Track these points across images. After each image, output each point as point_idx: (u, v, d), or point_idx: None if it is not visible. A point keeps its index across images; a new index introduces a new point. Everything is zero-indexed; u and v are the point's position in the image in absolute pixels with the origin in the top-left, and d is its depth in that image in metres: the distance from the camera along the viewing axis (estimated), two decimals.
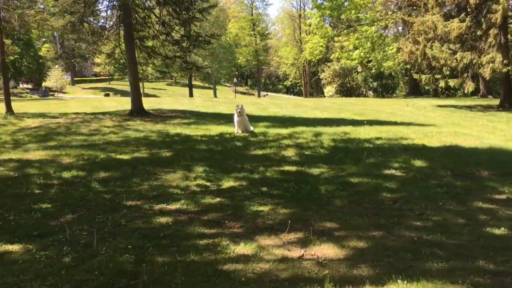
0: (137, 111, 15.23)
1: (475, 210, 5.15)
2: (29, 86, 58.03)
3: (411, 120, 15.04)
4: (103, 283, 3.37)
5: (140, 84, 39.93)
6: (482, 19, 18.45)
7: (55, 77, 56.79)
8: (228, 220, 4.81)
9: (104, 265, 3.65)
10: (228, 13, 69.89)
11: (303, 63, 62.70)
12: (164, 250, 3.99)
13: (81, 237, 4.33)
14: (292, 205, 5.33)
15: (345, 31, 40.09)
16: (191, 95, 53.46)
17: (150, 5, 16.24)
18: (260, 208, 5.22)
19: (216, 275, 3.50)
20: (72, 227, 4.59)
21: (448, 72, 21.31)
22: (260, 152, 8.73)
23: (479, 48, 18.91)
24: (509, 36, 20.87)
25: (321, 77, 52.44)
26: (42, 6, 20.27)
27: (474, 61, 18.57)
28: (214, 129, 11.76)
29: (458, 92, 37.18)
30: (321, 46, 45.76)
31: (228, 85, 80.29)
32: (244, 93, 72.47)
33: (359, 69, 44.02)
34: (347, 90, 46.37)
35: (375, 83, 44.50)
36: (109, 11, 17.15)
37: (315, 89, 65.75)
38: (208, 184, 6.36)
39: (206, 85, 70.09)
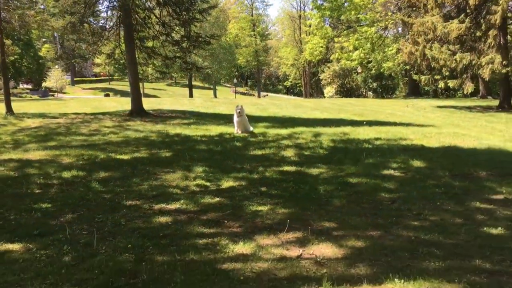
0: (137, 112, 15.26)
1: (473, 210, 5.19)
2: (29, 86, 58.09)
3: (410, 121, 15.07)
4: (103, 282, 3.40)
5: (140, 84, 40.00)
6: (482, 20, 18.49)
7: (55, 77, 56.84)
8: (227, 220, 4.84)
9: (104, 264, 3.68)
10: (228, 13, 69.99)
11: (303, 64, 62.73)
12: (163, 249, 4.01)
13: (81, 237, 4.36)
14: (291, 205, 5.36)
15: (345, 32, 40.10)
16: (191, 95, 53.51)
17: (150, 5, 16.28)
18: (259, 208, 5.25)
19: (215, 274, 3.52)
20: (72, 226, 4.62)
21: (447, 73, 21.34)
22: (259, 152, 8.76)
23: (479, 49, 18.95)
24: (508, 37, 20.93)
25: (321, 77, 52.48)
26: (42, 7, 20.31)
27: (473, 62, 18.61)
28: (214, 130, 11.79)
29: (458, 93, 37.21)
30: (321, 46, 45.82)
31: (228, 85, 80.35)
32: (244, 94, 72.52)
33: (359, 69, 44.05)
34: (347, 91, 46.41)
35: (375, 84, 44.54)
36: (109, 12, 17.20)
37: (315, 90, 65.80)
38: (208, 184, 6.39)
39: (206, 85, 70.16)
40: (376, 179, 6.62)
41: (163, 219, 4.86)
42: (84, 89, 67.74)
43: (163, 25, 15.69)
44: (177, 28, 16.28)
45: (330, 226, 4.66)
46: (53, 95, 51.46)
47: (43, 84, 57.16)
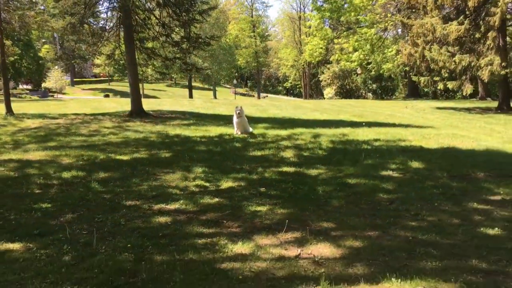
0: (137, 112, 15.28)
1: (470, 210, 5.22)
2: (29, 87, 58.10)
3: (409, 122, 15.11)
4: (103, 281, 3.43)
5: (140, 85, 39.98)
6: (481, 22, 18.55)
7: (55, 78, 56.82)
8: (227, 220, 4.87)
9: (104, 264, 3.71)
10: (228, 14, 70.10)
11: (303, 65, 62.82)
12: (163, 249, 4.04)
13: (81, 236, 4.39)
14: (289, 205, 5.39)
15: (344, 33, 40.16)
16: (191, 96, 53.55)
17: (150, 6, 16.31)
18: (258, 208, 5.28)
19: (214, 274, 3.55)
20: (72, 226, 4.65)
21: (446, 75, 21.40)
22: (259, 153, 8.80)
23: (478, 51, 19.01)
24: (507, 38, 20.99)
25: (320, 79, 52.54)
26: (42, 7, 20.37)
27: (472, 64, 18.66)
28: (214, 130, 11.82)
29: (457, 94, 37.26)
30: (321, 48, 45.83)
31: (228, 86, 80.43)
32: (244, 95, 72.57)
33: (359, 71, 44.12)
34: (347, 92, 46.46)
35: (374, 85, 44.59)
36: (109, 13, 17.23)
37: (314, 91, 65.88)
38: (207, 184, 6.42)
39: (206, 86, 70.25)
40: (374, 180, 6.65)
41: (162, 219, 4.89)
42: (83, 89, 67.77)
43: (163, 26, 15.72)
44: (177, 29, 16.32)
45: (329, 226, 4.69)
46: (52, 96, 51.47)
47: (43, 85, 57.16)
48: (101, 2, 15.95)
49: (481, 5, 18.38)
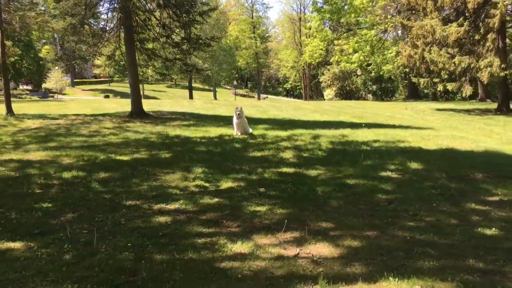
0: (137, 113, 15.31)
1: (468, 211, 5.26)
2: (29, 87, 58.16)
3: (409, 123, 15.15)
4: (103, 279, 3.46)
5: (140, 86, 40.05)
6: (480, 23, 18.59)
7: (55, 78, 56.89)
8: (226, 220, 4.90)
9: (104, 262, 3.74)
10: (229, 15, 70.22)
11: (303, 66, 62.91)
12: (163, 248, 4.08)
13: (81, 236, 4.42)
14: (289, 205, 5.42)
15: (344, 34, 40.25)
16: (191, 97, 53.58)
17: (151, 7, 16.34)
18: (258, 208, 5.31)
19: (213, 273, 3.59)
20: (73, 225, 4.68)
21: (446, 76, 21.44)
22: (258, 154, 8.83)
23: (477, 52, 19.04)
24: (507, 40, 21.04)
25: (321, 80, 52.61)
26: (43, 8, 20.43)
27: (472, 65, 18.70)
28: (214, 131, 11.85)
29: (457, 95, 37.30)
30: (321, 49, 45.90)
31: (228, 87, 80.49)
32: (244, 96, 72.67)
33: (359, 72, 44.21)
34: (347, 93, 46.52)
35: (374, 86, 44.68)
36: (109, 14, 17.24)
37: (315, 92, 65.94)
38: (207, 184, 6.45)
39: (206, 87, 70.32)
40: (373, 180, 6.69)
41: (162, 219, 4.92)
42: (84, 90, 67.84)
43: (163, 27, 15.76)
44: (177, 30, 16.35)
45: (327, 226, 4.72)
46: (53, 96, 51.52)
47: (43, 85, 57.23)
48: (101, 3, 15.96)
49: (480, 7, 18.42)
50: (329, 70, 48.89)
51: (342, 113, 19.35)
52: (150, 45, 17.40)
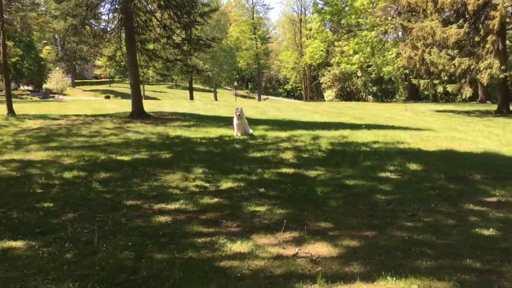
0: (138, 114, 15.36)
1: (466, 211, 5.29)
2: (30, 88, 58.25)
3: (409, 125, 15.19)
4: (104, 278, 3.49)
5: (141, 86, 40.10)
6: (480, 25, 18.66)
7: (56, 79, 57.02)
8: (226, 220, 4.94)
9: (105, 261, 3.77)
10: (229, 16, 70.26)
11: (304, 67, 62.96)
12: (163, 248, 4.11)
13: (82, 235, 4.46)
14: (288, 205, 5.46)
15: (345, 35, 40.34)
16: (191, 98, 53.66)
17: (152, 8, 16.40)
18: (257, 209, 5.35)
19: (213, 271, 3.62)
20: (74, 225, 4.72)
21: (446, 78, 21.50)
22: (258, 154, 8.87)
23: (477, 54, 19.11)
24: (507, 42, 21.08)
25: (321, 81, 52.73)
26: (44, 9, 20.49)
27: (472, 67, 18.76)
28: (214, 132, 11.90)
29: (457, 97, 37.35)
30: (322, 50, 45.97)
31: (229, 88, 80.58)
32: (244, 97, 72.75)
33: (359, 73, 44.28)
34: (347, 95, 46.62)
35: (374, 88, 44.77)
36: (110, 14, 17.31)
37: (315, 93, 66.04)
38: (207, 185, 6.49)
39: (207, 88, 70.43)
40: (372, 181, 6.72)
41: (162, 219, 4.96)
42: (84, 91, 67.95)
43: (164, 28, 15.82)
44: (178, 31, 16.41)
45: (326, 226, 4.76)
46: (53, 97, 51.62)
47: (44, 86, 57.35)
48: (102, 4, 16.00)
49: (480, 8, 18.49)
50: (329, 71, 49.00)
51: (342, 114, 19.39)
52: (151, 46, 17.47)
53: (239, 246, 4.15)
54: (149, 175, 7.02)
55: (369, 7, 35.87)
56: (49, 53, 57.67)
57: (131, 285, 3.40)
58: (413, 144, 10.18)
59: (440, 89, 22.72)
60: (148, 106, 19.51)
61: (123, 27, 15.60)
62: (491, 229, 4.61)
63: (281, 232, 4.52)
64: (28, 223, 4.77)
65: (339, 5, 38.81)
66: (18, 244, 4.20)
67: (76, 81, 73.19)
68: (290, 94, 79.60)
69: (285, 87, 78.39)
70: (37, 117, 14.87)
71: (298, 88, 75.09)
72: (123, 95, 54.97)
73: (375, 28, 35.75)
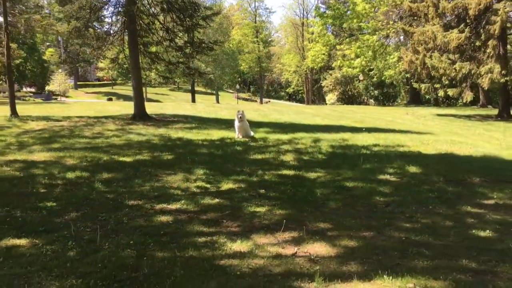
0: (140, 116, 15.45)
1: (464, 214, 5.36)
2: (32, 89, 58.44)
3: (409, 128, 15.25)
4: (106, 275, 3.56)
5: (143, 89, 40.21)
6: (481, 30, 18.75)
7: (59, 81, 57.10)
8: (226, 220, 5.01)
9: (107, 259, 3.85)
10: (232, 20, 70.41)
11: (305, 71, 63.11)
12: (164, 246, 4.18)
13: (85, 233, 4.53)
14: (288, 206, 5.53)
15: (347, 39, 40.46)
16: (193, 100, 53.80)
17: (155, 11, 16.52)
18: (257, 209, 5.41)
19: (213, 269, 3.69)
20: (77, 224, 4.79)
21: (447, 82, 21.60)
22: (259, 156, 8.94)
23: (478, 59, 19.18)
24: (508, 47, 21.15)
25: (323, 84, 52.80)
26: (47, 11, 20.64)
27: (472, 71, 18.83)
28: (215, 134, 11.98)
29: (459, 101, 37.41)
30: (323, 54, 46.14)
31: (231, 91, 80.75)
32: (246, 100, 72.84)
33: (361, 77, 44.35)
34: (349, 98, 46.69)
35: (376, 92, 44.81)
36: (114, 17, 17.41)
37: (317, 97, 66.09)
38: (208, 186, 6.56)
39: (209, 91, 70.56)
40: (372, 183, 6.79)
41: (164, 218, 5.03)
42: (87, 93, 68.10)
43: (167, 31, 15.92)
44: (181, 34, 16.52)
45: (325, 226, 4.82)
46: (56, 99, 51.79)
47: (47, 88, 57.49)
48: (106, 7, 16.10)
49: (481, 13, 18.57)
50: (331, 74, 49.07)
51: (343, 118, 19.45)
52: (153, 49, 17.56)
53: (239, 245, 4.22)
54: (151, 176, 7.09)
55: (371, 12, 36.00)
56: (52, 55, 57.88)
57: (132, 282, 3.47)
58: (413, 147, 10.25)
59: (441, 93, 22.79)
60: (150, 108, 19.60)
61: (126, 30, 15.72)
62: (488, 230, 4.68)
63: (281, 232, 4.59)
64: (31, 222, 4.84)
65: (341, 9, 39.00)
66: (22, 242, 4.28)
67: (78, 83, 73.35)
68: (292, 97, 79.71)
69: (287, 90, 78.51)
70: (40, 119, 14.98)
71: (300, 92, 75.20)
72: (126, 97, 55.14)
73: (376, 32, 35.85)
